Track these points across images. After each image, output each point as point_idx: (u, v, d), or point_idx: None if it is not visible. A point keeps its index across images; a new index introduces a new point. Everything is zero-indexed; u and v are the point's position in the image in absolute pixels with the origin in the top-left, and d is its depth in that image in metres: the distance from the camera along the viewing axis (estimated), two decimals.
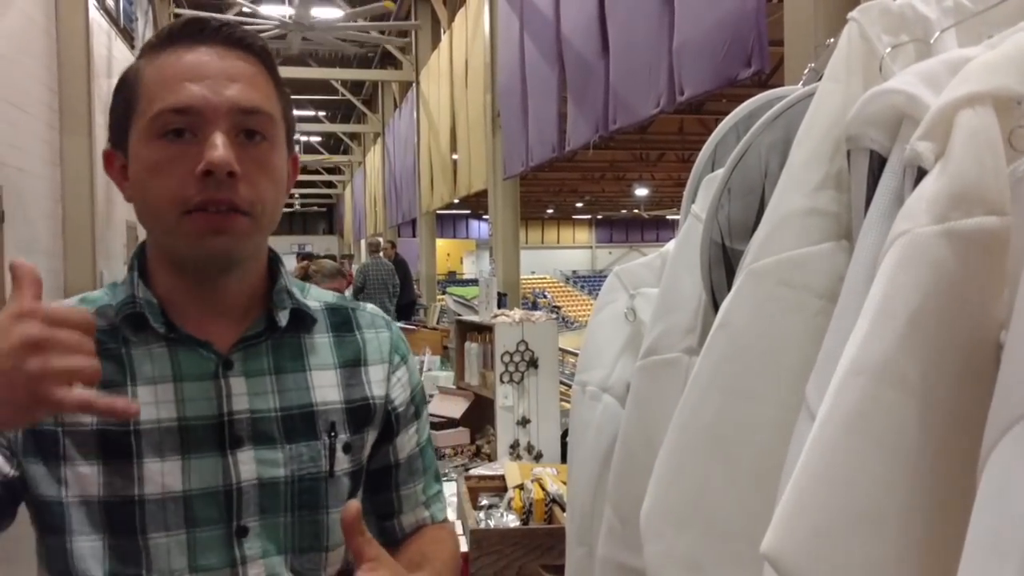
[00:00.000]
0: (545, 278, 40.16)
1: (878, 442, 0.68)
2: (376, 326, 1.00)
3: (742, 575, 0.85)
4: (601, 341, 1.39)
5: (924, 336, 0.69)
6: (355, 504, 0.81)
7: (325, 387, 0.92)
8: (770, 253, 0.88)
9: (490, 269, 8.52)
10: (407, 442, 1.01)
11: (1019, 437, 0.61)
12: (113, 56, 11.76)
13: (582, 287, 40.50)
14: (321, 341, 0.95)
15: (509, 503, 2.59)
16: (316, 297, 0.98)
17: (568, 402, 3.02)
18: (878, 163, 0.81)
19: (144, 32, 14.04)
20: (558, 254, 42.83)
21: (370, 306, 1.03)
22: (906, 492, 0.69)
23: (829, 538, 0.67)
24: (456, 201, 11.91)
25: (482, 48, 9.18)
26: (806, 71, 1.12)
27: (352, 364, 0.95)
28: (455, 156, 10.97)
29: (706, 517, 0.92)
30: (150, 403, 0.85)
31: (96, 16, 10.50)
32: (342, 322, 0.97)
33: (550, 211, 38.53)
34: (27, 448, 0.84)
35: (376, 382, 0.96)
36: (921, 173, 0.73)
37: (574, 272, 42.63)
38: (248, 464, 0.86)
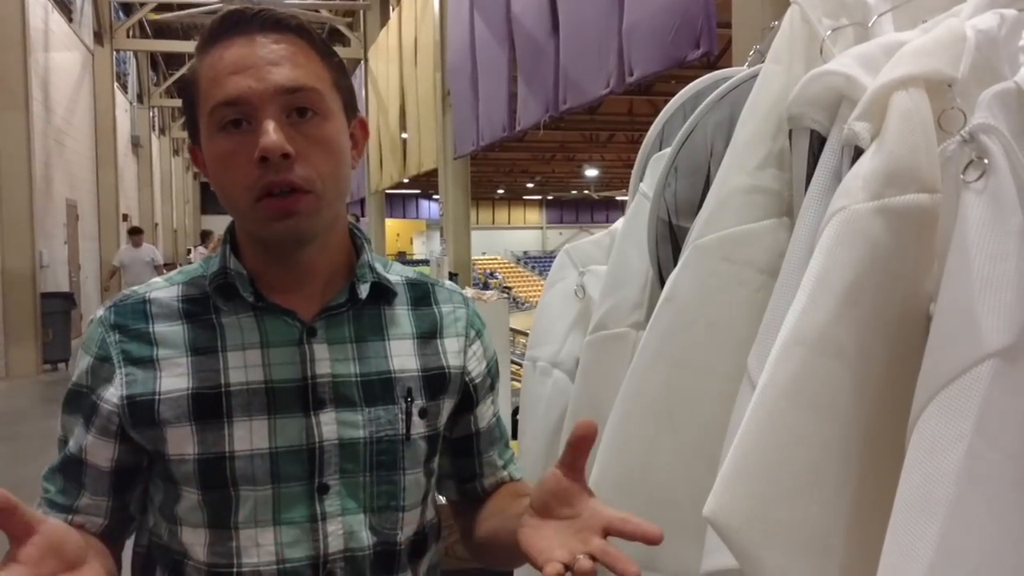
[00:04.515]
0: (496, 259, 40.14)
1: (814, 408, 0.71)
2: (454, 302, 1.04)
3: (686, 541, 0.88)
4: (551, 317, 1.41)
5: (859, 308, 0.72)
6: (593, 424, 0.80)
7: (403, 356, 0.96)
8: (714, 229, 0.90)
9: (441, 249, 8.50)
10: (486, 411, 1.06)
11: (945, 403, 0.65)
12: (50, 29, 11.38)
13: (533, 268, 40.55)
14: (400, 313, 0.99)
15: None
16: (398, 272, 1.03)
17: (519, 381, 3.04)
18: (818, 142, 0.84)
19: (83, 4, 13.61)
20: (509, 235, 42.81)
21: (449, 283, 1.10)
22: (840, 456, 0.72)
23: (767, 501, 0.70)
24: (406, 180, 11.83)
25: (432, 26, 9.10)
26: (751, 52, 1.15)
27: (428, 336, 0.99)
28: (404, 135, 10.87)
29: (652, 485, 0.95)
30: (239, 367, 0.90)
31: None
32: (421, 296, 1.02)
33: (501, 191, 38.49)
34: (134, 420, 0.90)
35: (452, 353, 1.00)
36: (858, 152, 0.76)
37: (525, 253, 42.69)
38: (330, 425, 0.91)
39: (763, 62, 1.09)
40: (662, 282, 1.07)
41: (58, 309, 9.83)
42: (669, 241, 1.05)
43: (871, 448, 0.73)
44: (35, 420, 7.19)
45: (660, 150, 1.16)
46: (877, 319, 0.73)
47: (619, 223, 1.37)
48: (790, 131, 0.88)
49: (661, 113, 1.18)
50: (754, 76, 0.99)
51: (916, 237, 0.73)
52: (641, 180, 1.17)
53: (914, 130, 0.73)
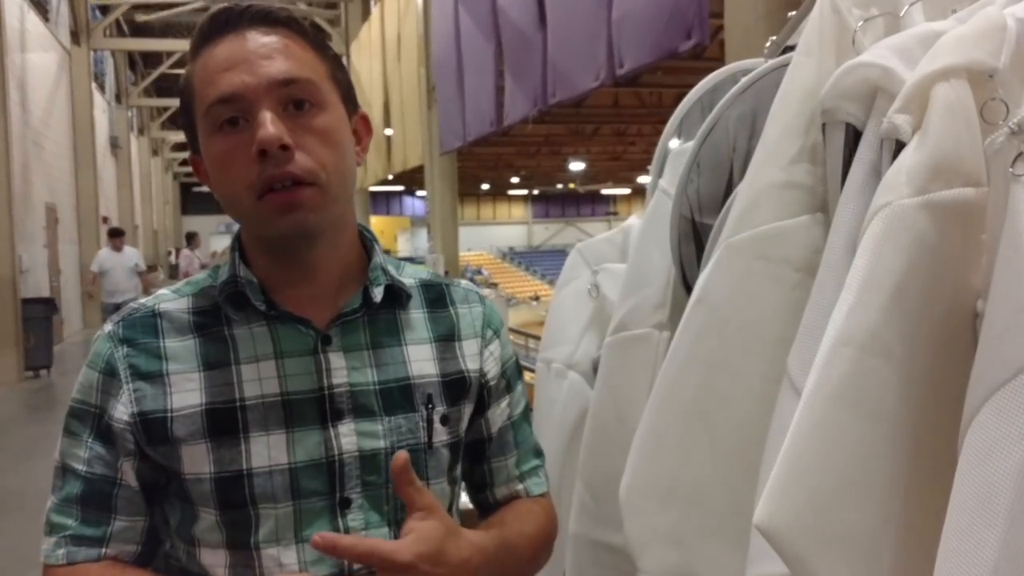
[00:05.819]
0: (482, 255, 40.05)
1: (865, 412, 0.69)
2: (469, 301, 1.01)
3: (724, 547, 0.86)
4: (565, 318, 1.39)
5: (907, 306, 0.70)
6: (403, 454, 0.83)
7: (421, 361, 0.94)
8: (747, 227, 0.88)
9: (428, 247, 8.47)
10: (498, 416, 1.03)
11: (1000, 404, 0.63)
12: (26, 29, 11.23)
13: (519, 263, 40.51)
14: (416, 316, 0.96)
15: None
16: (411, 274, 1.00)
17: None
18: (853, 136, 0.81)
19: (59, 4, 13.44)
20: (494, 230, 42.66)
21: (464, 282, 1.07)
22: (891, 459, 0.70)
23: (819, 508, 0.68)
24: (390, 177, 11.78)
25: (415, 20, 9.05)
26: (768, 44, 1.13)
27: (446, 339, 0.97)
28: (388, 132, 10.83)
29: (688, 491, 0.92)
30: (254, 380, 0.87)
31: None
32: (436, 298, 0.99)
33: (485, 187, 38.37)
34: (148, 437, 0.86)
35: (470, 356, 0.97)
36: (899, 146, 0.74)
37: (511, 248, 42.63)
38: (349, 436, 0.88)
39: (780, 53, 1.07)
40: (685, 280, 1.05)
41: (39, 315, 9.71)
42: (692, 239, 1.03)
43: (920, 450, 0.71)
44: (18, 428, 7.11)
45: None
46: (924, 317, 0.71)
47: (632, 220, 1.35)
48: (823, 125, 0.86)
49: (679, 107, 1.16)
50: (776, 68, 0.97)
51: (962, 232, 0.71)
52: (660, 176, 1.14)
53: (958, 122, 0.71)
